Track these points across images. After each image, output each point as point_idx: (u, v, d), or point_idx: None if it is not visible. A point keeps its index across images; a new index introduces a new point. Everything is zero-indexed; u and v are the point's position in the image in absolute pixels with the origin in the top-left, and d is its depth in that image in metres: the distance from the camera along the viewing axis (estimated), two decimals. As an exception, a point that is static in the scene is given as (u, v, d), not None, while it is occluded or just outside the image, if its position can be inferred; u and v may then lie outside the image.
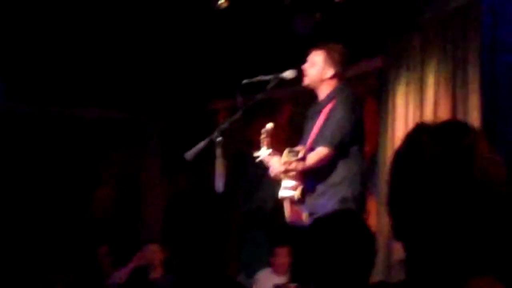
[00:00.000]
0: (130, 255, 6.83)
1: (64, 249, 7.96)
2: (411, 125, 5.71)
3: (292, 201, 4.53)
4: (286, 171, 4.44)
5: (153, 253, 6.63)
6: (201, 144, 4.31)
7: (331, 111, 4.46)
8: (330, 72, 4.54)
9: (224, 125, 4.36)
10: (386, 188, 1.38)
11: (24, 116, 8.23)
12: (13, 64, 7.57)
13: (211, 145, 4.30)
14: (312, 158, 4.37)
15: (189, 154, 4.32)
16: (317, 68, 4.56)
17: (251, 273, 6.96)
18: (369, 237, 2.56)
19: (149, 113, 8.84)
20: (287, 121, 7.59)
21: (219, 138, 4.27)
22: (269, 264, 6.91)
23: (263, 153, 4.46)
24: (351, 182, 4.42)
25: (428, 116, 5.71)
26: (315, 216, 4.05)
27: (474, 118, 5.32)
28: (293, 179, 4.48)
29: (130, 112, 8.76)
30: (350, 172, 4.43)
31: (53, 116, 8.41)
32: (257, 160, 4.50)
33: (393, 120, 6.10)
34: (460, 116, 5.42)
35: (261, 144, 4.48)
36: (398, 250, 5.46)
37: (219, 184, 4.23)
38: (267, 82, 4.51)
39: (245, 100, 4.44)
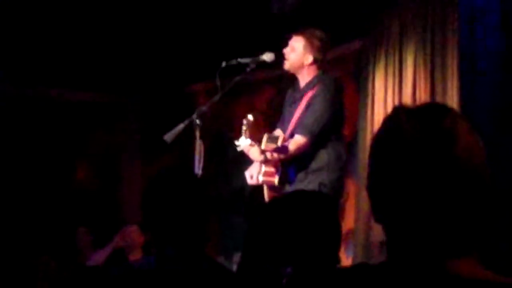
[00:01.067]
0: (109, 236, 6.80)
1: (43, 229, 7.92)
2: (390, 108, 5.72)
3: (272, 186, 4.55)
4: (265, 161, 4.47)
5: (133, 234, 6.61)
6: (181, 126, 4.30)
7: (311, 99, 4.47)
8: (310, 58, 4.54)
9: (204, 108, 4.35)
10: (366, 171, 1.38)
11: (3, 97, 8.14)
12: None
13: (191, 127, 4.29)
14: (290, 147, 4.39)
15: (168, 136, 4.31)
16: (297, 54, 4.57)
17: (230, 255, 6.97)
18: (329, 214, 2.41)
19: (128, 94, 8.79)
20: (267, 103, 7.58)
21: (198, 121, 4.27)
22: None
23: (243, 143, 4.47)
24: (330, 168, 4.46)
25: (407, 99, 5.72)
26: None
27: (452, 101, 5.34)
28: (273, 165, 4.50)
29: (109, 94, 8.71)
30: (329, 158, 4.47)
31: (32, 98, 8.33)
32: (237, 149, 4.52)
33: (372, 103, 6.10)
34: (439, 99, 5.44)
35: (242, 134, 4.48)
36: (378, 232, 5.50)
37: (198, 166, 4.23)
38: (246, 64, 4.50)
39: (225, 82, 4.43)
